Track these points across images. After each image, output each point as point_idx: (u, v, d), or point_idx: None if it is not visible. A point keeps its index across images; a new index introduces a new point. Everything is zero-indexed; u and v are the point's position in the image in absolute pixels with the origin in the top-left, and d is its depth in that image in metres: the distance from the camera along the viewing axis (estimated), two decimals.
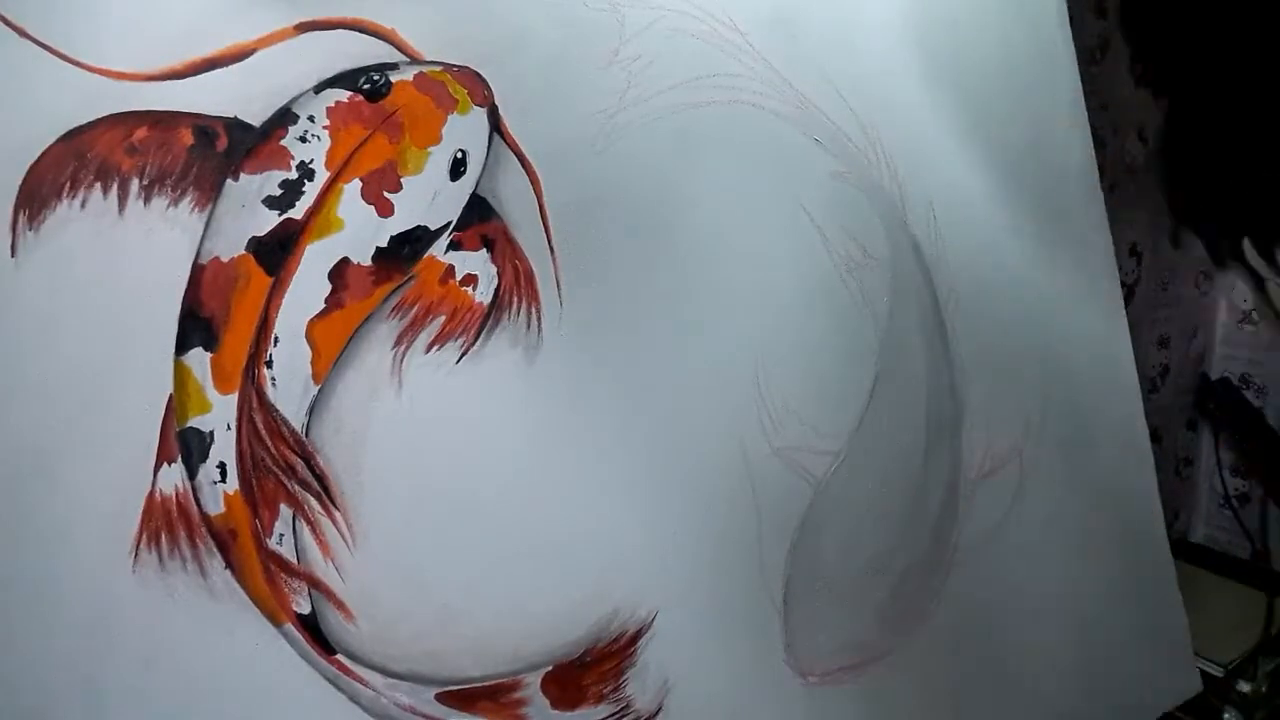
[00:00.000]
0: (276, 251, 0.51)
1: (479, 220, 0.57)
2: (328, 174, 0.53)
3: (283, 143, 0.52)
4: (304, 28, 0.53)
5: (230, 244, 0.50)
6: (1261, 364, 1.56)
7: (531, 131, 0.59)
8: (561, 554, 0.59)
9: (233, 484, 0.50)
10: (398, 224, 0.55)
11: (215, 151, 0.50)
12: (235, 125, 0.51)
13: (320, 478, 0.52)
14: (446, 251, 0.56)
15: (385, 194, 0.54)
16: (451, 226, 0.57)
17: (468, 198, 0.57)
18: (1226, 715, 1.03)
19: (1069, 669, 0.85)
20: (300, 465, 0.52)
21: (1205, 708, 1.00)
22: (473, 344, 0.57)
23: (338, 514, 0.53)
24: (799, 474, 0.70)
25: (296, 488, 0.52)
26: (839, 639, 0.71)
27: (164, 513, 0.48)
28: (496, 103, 0.58)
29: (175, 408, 0.49)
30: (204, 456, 0.49)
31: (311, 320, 0.52)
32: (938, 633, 0.76)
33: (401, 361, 0.55)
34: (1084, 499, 0.88)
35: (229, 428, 0.50)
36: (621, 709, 0.61)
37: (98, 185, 0.48)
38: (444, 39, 0.57)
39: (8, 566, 0.45)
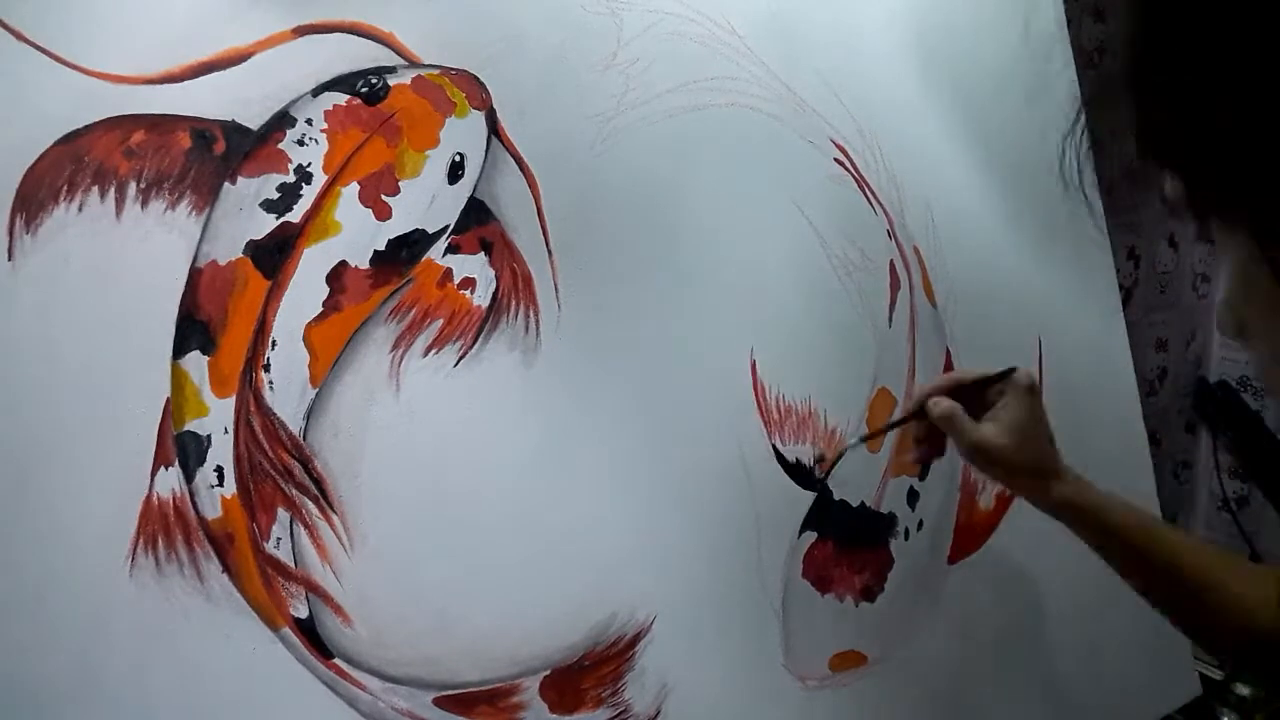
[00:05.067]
0: (274, 255, 0.51)
1: (477, 223, 0.57)
2: (325, 177, 0.53)
3: (280, 146, 0.52)
4: (302, 31, 0.53)
5: (228, 247, 0.50)
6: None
7: (529, 135, 0.59)
8: (560, 558, 0.59)
9: (230, 488, 0.50)
10: (395, 227, 0.55)
11: (213, 155, 0.50)
12: (233, 128, 0.51)
13: (318, 481, 0.52)
14: (444, 254, 0.56)
15: (383, 197, 0.54)
16: (449, 230, 0.56)
17: (465, 201, 0.57)
18: (1225, 719, 1.03)
19: (1067, 673, 0.85)
20: (298, 469, 0.52)
21: (1204, 711, 1.00)
22: (471, 347, 0.57)
23: (335, 517, 0.53)
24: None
25: (294, 491, 0.52)
26: (837, 643, 0.71)
27: (161, 516, 0.48)
28: (494, 106, 0.58)
29: (172, 411, 0.49)
30: (201, 460, 0.49)
31: (309, 323, 0.52)
32: (936, 636, 0.76)
33: (399, 364, 0.55)
34: None
35: (226, 431, 0.50)
36: (620, 713, 0.61)
37: (95, 188, 0.47)
38: (442, 42, 0.57)
39: (4, 570, 0.45)
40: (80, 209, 0.47)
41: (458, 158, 0.57)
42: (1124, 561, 0.62)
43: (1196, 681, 0.95)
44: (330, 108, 0.53)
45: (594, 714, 0.60)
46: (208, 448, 0.50)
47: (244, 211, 0.51)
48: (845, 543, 0.72)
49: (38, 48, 0.46)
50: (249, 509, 0.50)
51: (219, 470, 0.50)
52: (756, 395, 0.67)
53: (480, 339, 0.57)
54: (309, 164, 0.52)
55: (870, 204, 0.75)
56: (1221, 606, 0.59)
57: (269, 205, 0.51)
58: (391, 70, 0.55)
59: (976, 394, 0.65)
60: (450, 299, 0.56)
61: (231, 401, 0.50)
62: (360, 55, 0.55)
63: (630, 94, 0.64)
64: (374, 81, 0.54)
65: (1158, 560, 0.60)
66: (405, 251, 0.55)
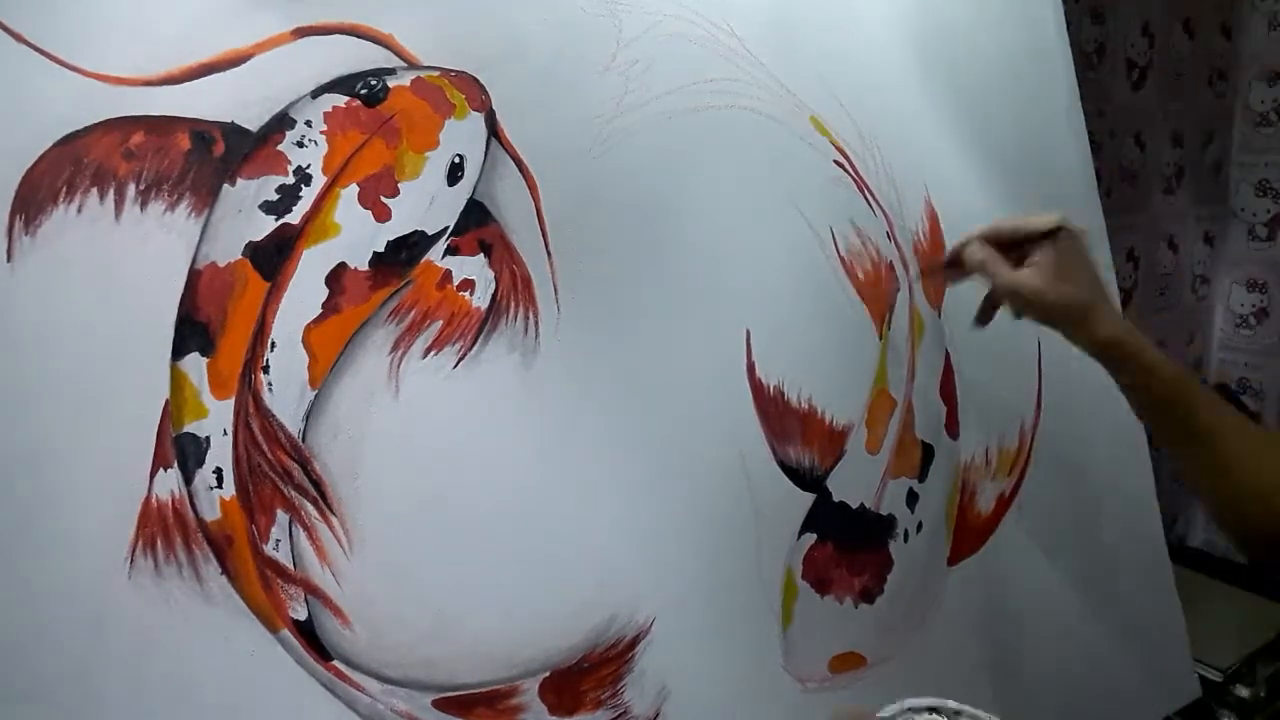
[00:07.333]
0: (273, 256, 0.51)
1: (476, 225, 0.57)
2: (325, 179, 0.53)
3: (280, 148, 0.52)
4: (301, 33, 0.53)
5: (227, 249, 0.50)
6: (1259, 368, 1.56)
7: (529, 136, 0.59)
8: (559, 560, 0.59)
9: (229, 489, 0.50)
10: (395, 229, 0.55)
11: (212, 156, 0.50)
12: (232, 130, 0.51)
13: (317, 483, 0.52)
14: (444, 256, 0.56)
15: (382, 199, 0.54)
16: (449, 231, 0.56)
17: (465, 203, 0.57)
18: None
19: (1067, 674, 0.85)
20: (297, 470, 0.52)
21: (1204, 712, 1.00)
22: (470, 349, 0.57)
23: (334, 519, 0.53)
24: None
25: (293, 493, 0.52)
26: (837, 645, 0.71)
27: (160, 519, 0.48)
28: (494, 107, 0.58)
29: (171, 413, 0.49)
30: (200, 462, 0.49)
31: (308, 325, 0.52)
32: (935, 638, 0.76)
33: (399, 366, 0.55)
34: (1082, 503, 0.88)
35: (225, 433, 0.50)
36: (619, 714, 0.61)
37: (94, 190, 0.47)
38: (441, 44, 0.57)
39: (3, 572, 0.45)
40: (80, 210, 0.47)
41: (457, 159, 0.57)
42: (1160, 415, 0.60)
43: (1196, 683, 0.95)
44: (330, 109, 0.53)
45: (593, 716, 0.60)
46: (207, 449, 0.50)
47: (243, 213, 0.51)
48: (845, 544, 0.72)
49: (37, 49, 0.46)
50: (248, 511, 0.50)
51: (218, 472, 0.50)
52: (756, 397, 0.67)
53: (479, 340, 0.57)
54: (308, 166, 0.52)
55: (870, 206, 0.75)
56: (1253, 489, 0.57)
57: (268, 207, 0.51)
58: (391, 72, 0.55)
59: (1020, 245, 0.66)
60: (449, 300, 0.56)
61: (230, 403, 0.50)
62: (360, 57, 0.55)
63: (630, 96, 0.64)
64: (373, 83, 0.54)
65: (1195, 420, 0.59)
66: (404, 253, 0.55)
